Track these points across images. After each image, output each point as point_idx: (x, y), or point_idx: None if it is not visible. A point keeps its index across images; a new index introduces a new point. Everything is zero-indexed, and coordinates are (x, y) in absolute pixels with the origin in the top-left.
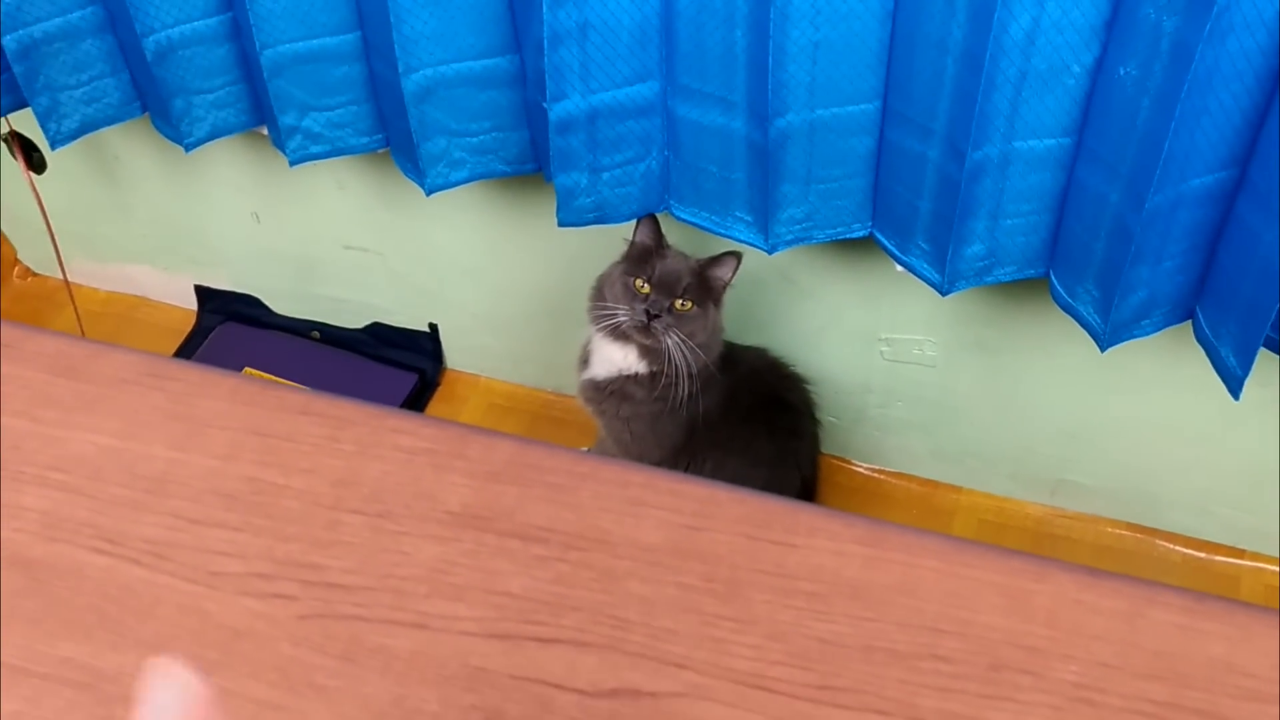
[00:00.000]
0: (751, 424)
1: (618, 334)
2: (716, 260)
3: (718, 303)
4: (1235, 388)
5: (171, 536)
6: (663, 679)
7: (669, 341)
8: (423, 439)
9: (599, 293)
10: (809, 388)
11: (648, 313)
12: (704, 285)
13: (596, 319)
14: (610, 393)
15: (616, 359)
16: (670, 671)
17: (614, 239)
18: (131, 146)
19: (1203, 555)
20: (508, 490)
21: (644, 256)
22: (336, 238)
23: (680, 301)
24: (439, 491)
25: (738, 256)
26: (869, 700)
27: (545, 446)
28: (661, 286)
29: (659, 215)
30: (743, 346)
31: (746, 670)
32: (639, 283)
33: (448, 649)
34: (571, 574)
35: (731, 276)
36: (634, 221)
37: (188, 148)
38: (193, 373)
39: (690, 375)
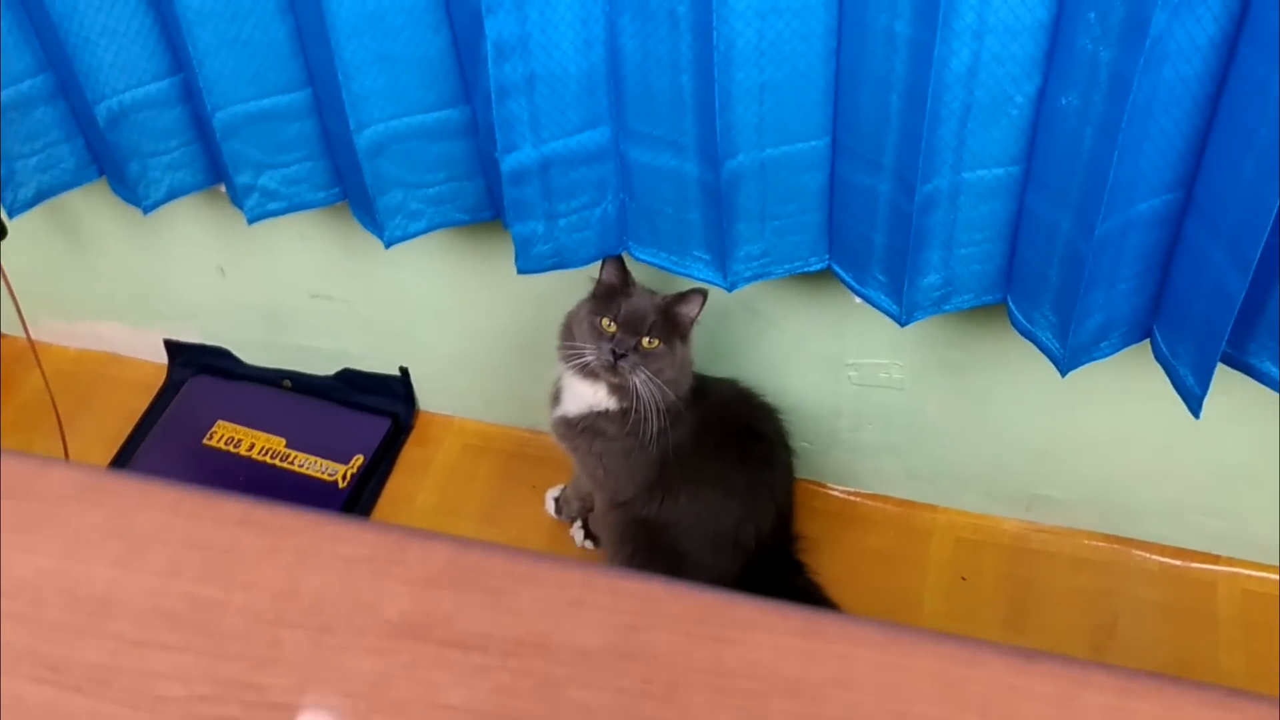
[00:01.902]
0: (724, 455)
1: (587, 372)
2: (682, 297)
3: (685, 339)
4: (1195, 406)
5: (114, 661)
6: None
7: (636, 380)
8: (361, 545)
9: (568, 331)
10: (780, 417)
11: (614, 352)
12: (670, 322)
13: (566, 357)
14: (582, 429)
15: (587, 396)
16: None
17: (581, 276)
18: (92, 207)
19: (1179, 563)
20: (446, 596)
21: (610, 295)
22: (302, 287)
23: (647, 340)
24: (378, 601)
25: (703, 293)
26: None
27: (483, 547)
28: (627, 325)
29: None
30: (713, 379)
31: None
32: (605, 322)
33: None
34: (511, 683)
35: (697, 313)
36: (599, 261)
37: (146, 210)
38: (132, 486)
39: (660, 411)
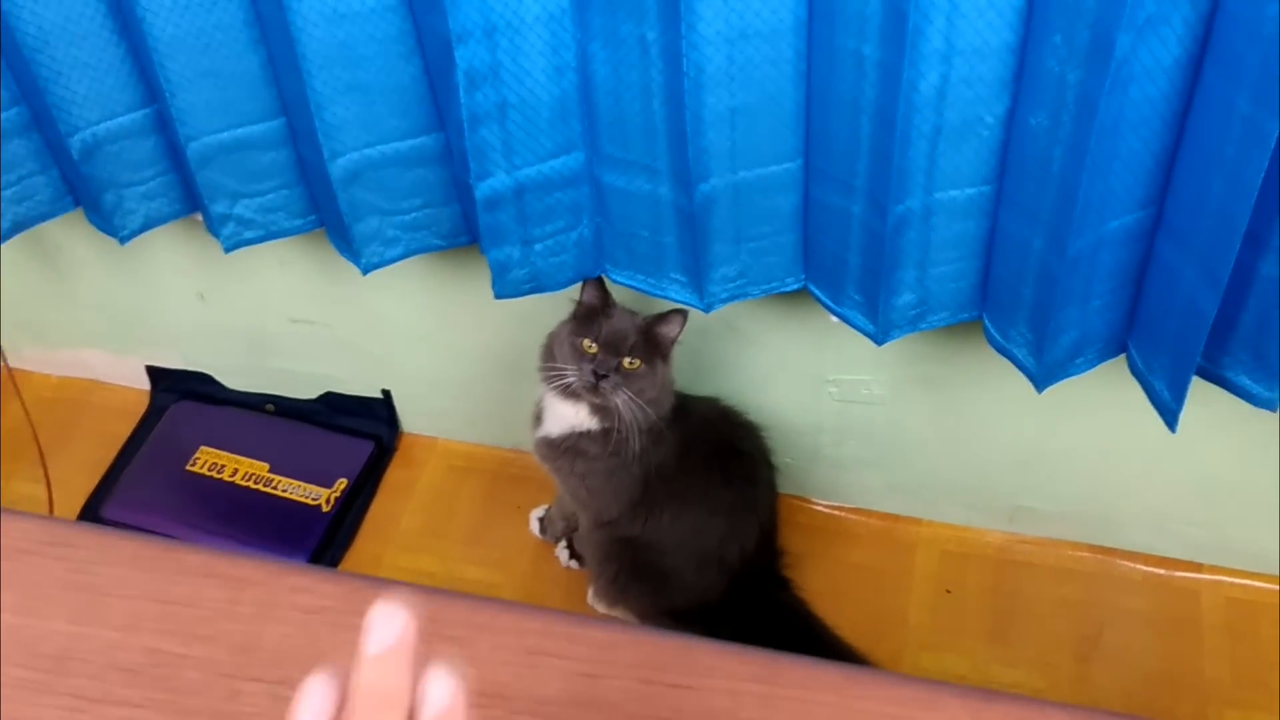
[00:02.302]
0: (707, 474)
1: (568, 393)
2: (663, 318)
3: (666, 359)
4: (1171, 420)
5: (73, 719)
6: None
7: (618, 400)
8: (321, 596)
9: (549, 352)
10: (762, 435)
11: (595, 373)
12: (651, 342)
13: (547, 378)
14: (564, 450)
15: (569, 417)
16: None
17: (561, 297)
18: (71, 235)
19: (1163, 572)
20: None
21: (591, 316)
22: (283, 312)
23: (628, 360)
24: (338, 653)
25: (683, 314)
26: None
27: (444, 596)
28: (608, 346)
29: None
30: (695, 397)
31: None
32: (586, 343)
33: None
34: None
35: (678, 333)
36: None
37: (123, 240)
38: (92, 538)
39: (642, 431)
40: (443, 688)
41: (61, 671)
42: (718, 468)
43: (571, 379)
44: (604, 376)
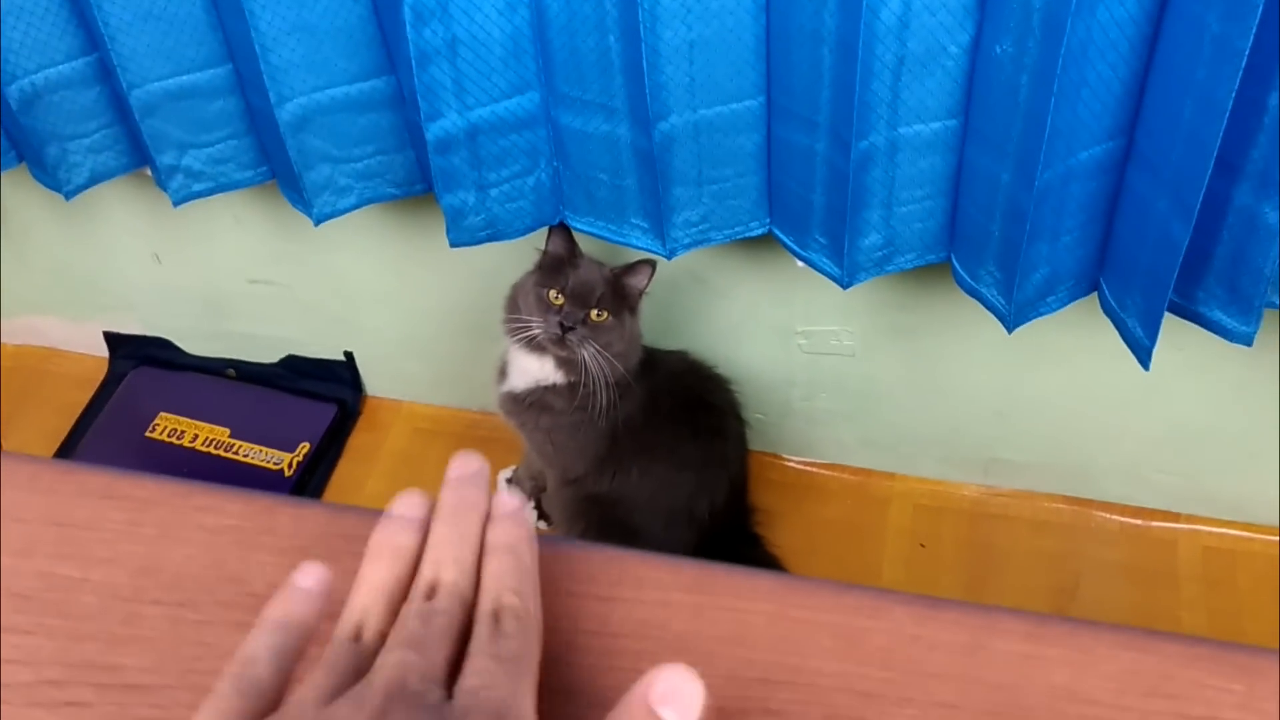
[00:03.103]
0: (675, 428)
1: (533, 346)
2: (631, 269)
3: (634, 311)
4: (1144, 358)
5: None
6: None
7: (585, 353)
8: (228, 516)
9: (513, 303)
10: (732, 388)
11: (562, 325)
12: (619, 294)
13: (511, 331)
14: (529, 404)
15: (534, 370)
16: None
17: (524, 252)
18: (17, 196)
19: (1139, 522)
20: None
21: (557, 266)
22: (240, 273)
23: (595, 312)
24: (244, 573)
25: (652, 264)
26: None
27: (358, 513)
28: (576, 298)
29: (536, 236)
30: (662, 351)
31: None
32: (552, 294)
33: None
34: None
35: (646, 284)
36: (545, 231)
37: (68, 195)
38: None
39: (609, 384)
40: (509, 499)
41: None
42: (686, 421)
43: (537, 331)
44: (570, 329)
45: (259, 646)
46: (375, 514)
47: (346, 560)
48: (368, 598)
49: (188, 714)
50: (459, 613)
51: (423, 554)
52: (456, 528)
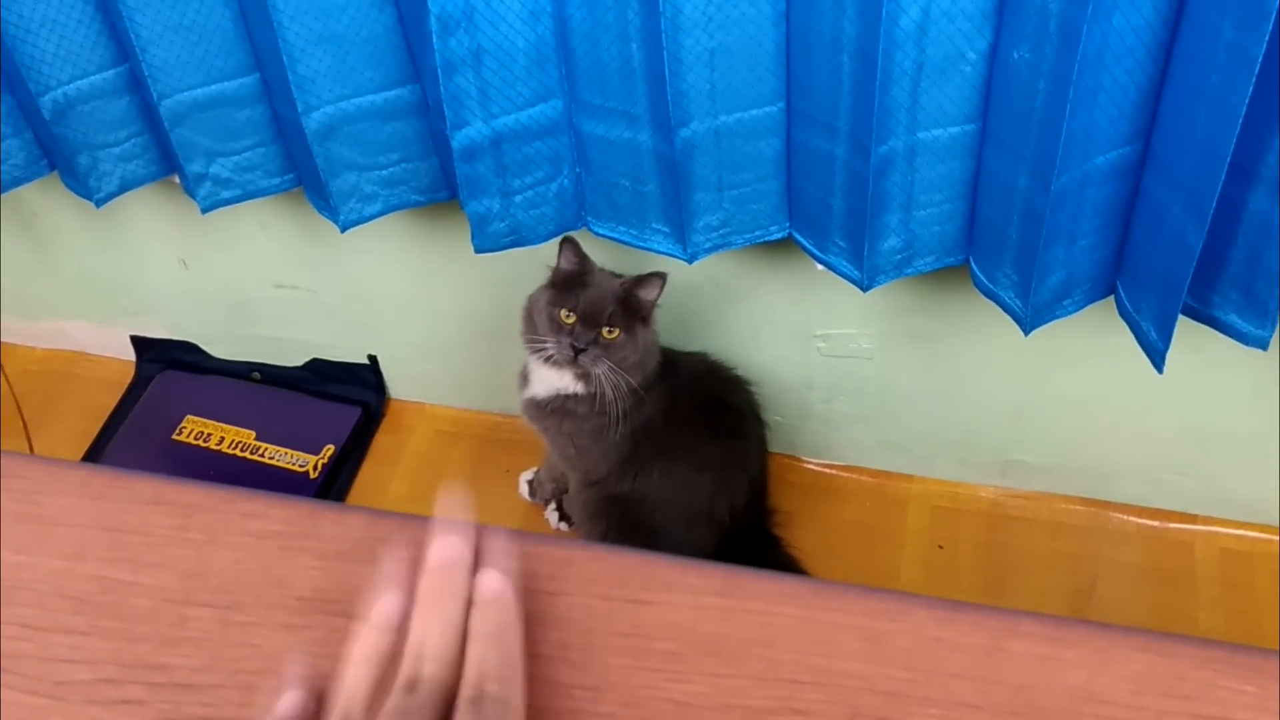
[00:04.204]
0: (695, 429)
1: (551, 362)
2: (641, 281)
3: (646, 322)
4: (1158, 361)
5: (16, 648)
6: None
7: (598, 371)
8: (272, 521)
9: (529, 319)
10: (751, 389)
11: (574, 346)
12: (630, 308)
13: (529, 346)
14: (551, 411)
15: (554, 381)
16: None
17: (544, 256)
18: (48, 203)
19: (1156, 524)
20: (359, 569)
21: (568, 283)
22: (266, 278)
23: (607, 330)
24: (289, 576)
25: (662, 277)
26: None
27: (398, 519)
28: (586, 317)
29: (578, 234)
30: (682, 353)
31: None
32: (564, 314)
33: None
34: None
35: (657, 296)
36: (556, 245)
37: (98, 203)
38: (39, 469)
39: (626, 393)
40: (494, 580)
41: (6, 601)
42: (706, 423)
43: (552, 351)
44: (583, 350)
45: None
46: (413, 519)
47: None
48: (351, 693)
49: (237, 712)
50: (439, 706)
51: (405, 645)
52: (438, 618)
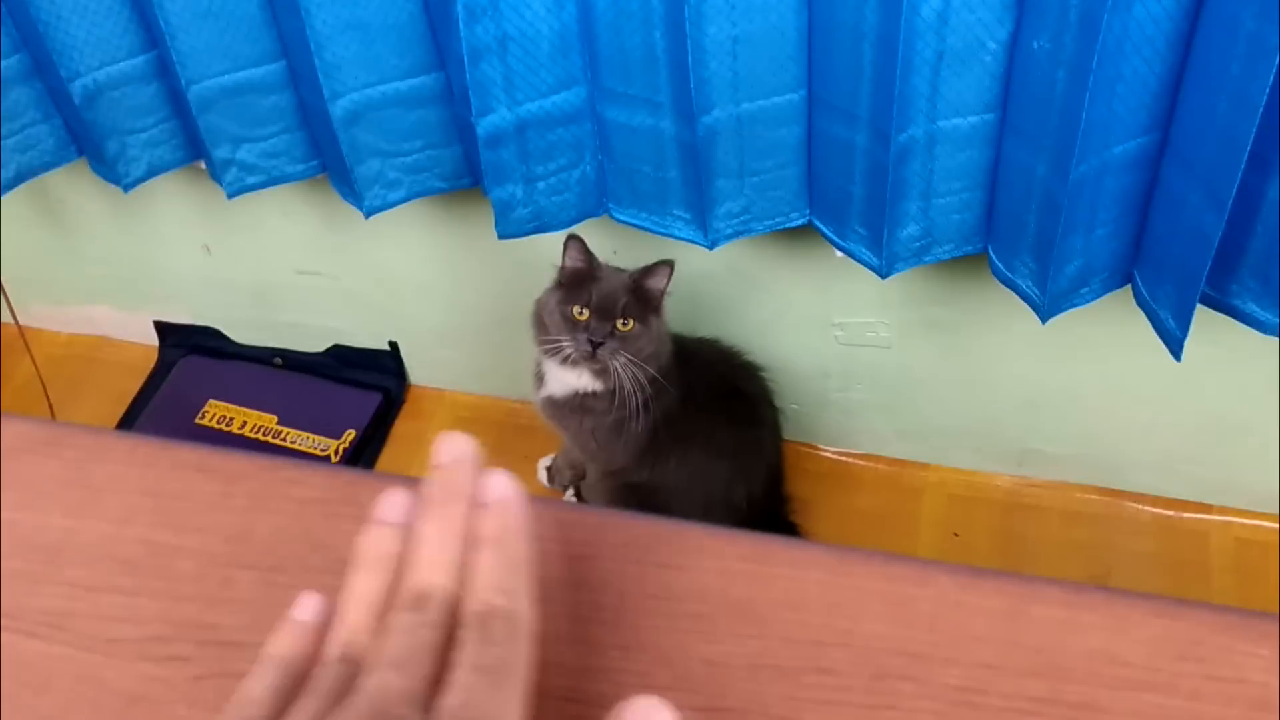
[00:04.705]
0: (711, 417)
1: (568, 362)
2: (649, 271)
3: (658, 312)
4: (1176, 349)
5: (69, 606)
6: (548, 713)
7: (617, 364)
8: (314, 488)
9: (539, 322)
10: (764, 375)
11: (591, 341)
12: (641, 299)
13: (543, 348)
14: (570, 409)
15: (571, 380)
16: (555, 705)
17: (561, 245)
18: (75, 188)
19: (1171, 513)
20: None
21: (577, 281)
22: (288, 264)
23: (621, 322)
24: (330, 540)
25: (670, 264)
26: (753, 719)
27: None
28: (600, 311)
29: (599, 222)
30: (693, 339)
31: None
32: (577, 310)
33: None
34: None
35: (666, 284)
36: (562, 246)
37: (126, 188)
38: (88, 438)
39: (644, 386)
40: (501, 481)
41: (58, 563)
42: (721, 410)
43: (569, 349)
44: (600, 344)
45: (256, 686)
46: None
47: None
48: (354, 613)
49: None
50: (445, 620)
51: (408, 556)
52: (441, 523)
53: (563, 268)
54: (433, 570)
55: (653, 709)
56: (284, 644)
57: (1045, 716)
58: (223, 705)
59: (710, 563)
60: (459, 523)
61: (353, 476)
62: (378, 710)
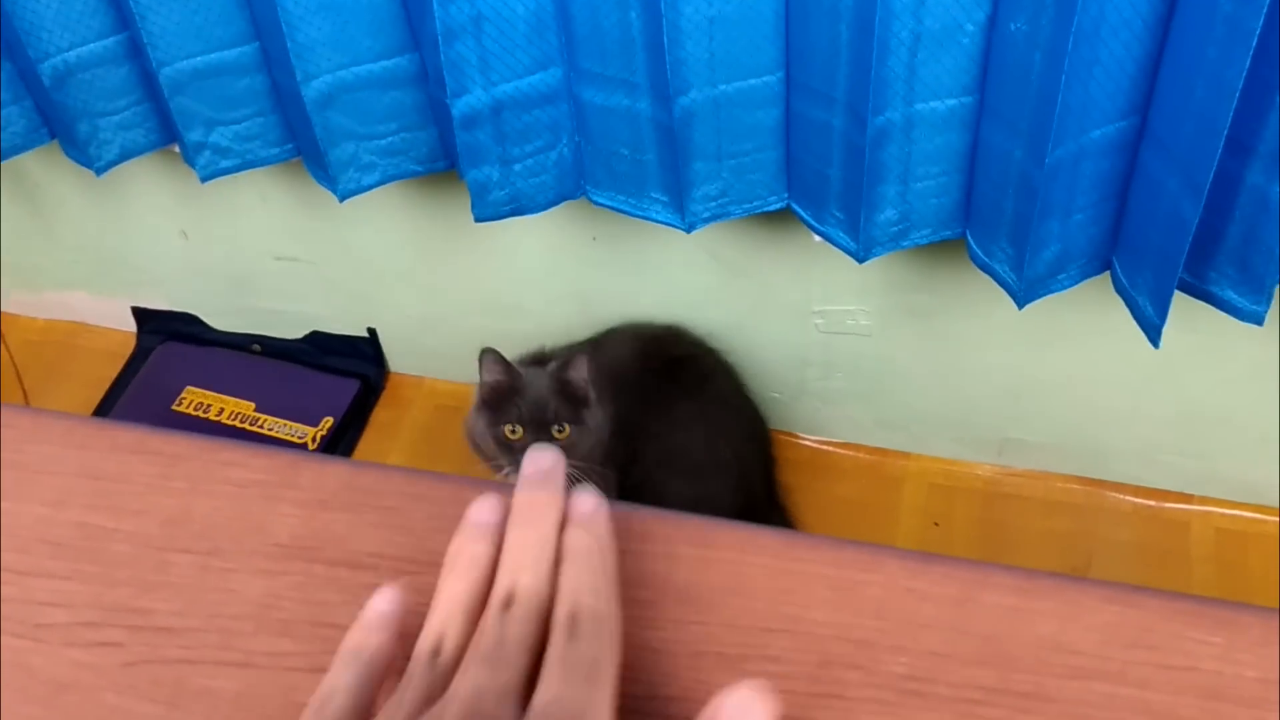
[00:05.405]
0: (668, 400)
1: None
2: (567, 364)
3: (587, 403)
4: (1154, 336)
5: None
6: None
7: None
8: (254, 470)
9: (474, 445)
10: (683, 331)
11: None
12: (569, 396)
13: (488, 467)
14: None
15: None
16: None
17: (543, 228)
18: (49, 172)
19: (1152, 503)
20: (338, 518)
21: (500, 396)
22: (266, 249)
23: (556, 429)
24: (269, 524)
25: (584, 354)
26: (694, 708)
27: (379, 469)
28: (533, 425)
29: (578, 203)
30: (611, 335)
31: None
32: (509, 429)
33: (271, 686)
34: None
35: (586, 373)
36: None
37: (98, 171)
38: (24, 418)
39: (596, 464)
40: (588, 500)
41: None
42: (673, 388)
43: (509, 471)
44: None
45: (338, 680)
46: (394, 470)
47: (367, 514)
48: (446, 611)
49: (215, 654)
50: (536, 621)
51: (499, 560)
52: (532, 531)
53: (482, 384)
54: (524, 572)
55: (751, 703)
56: (361, 639)
57: (993, 705)
58: (153, 693)
59: (656, 547)
60: (550, 531)
61: (293, 459)
62: (471, 709)
